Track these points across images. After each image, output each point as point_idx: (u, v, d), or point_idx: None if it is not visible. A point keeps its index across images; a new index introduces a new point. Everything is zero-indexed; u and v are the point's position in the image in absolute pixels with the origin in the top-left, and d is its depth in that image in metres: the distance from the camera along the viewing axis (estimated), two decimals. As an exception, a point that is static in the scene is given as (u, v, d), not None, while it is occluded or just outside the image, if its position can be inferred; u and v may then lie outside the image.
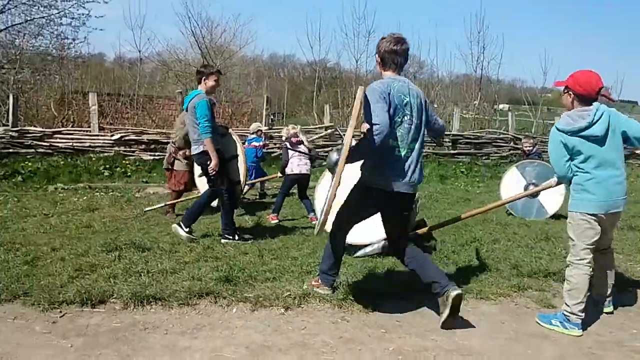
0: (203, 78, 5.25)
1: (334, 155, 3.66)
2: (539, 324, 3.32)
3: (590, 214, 3.22)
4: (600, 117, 3.15)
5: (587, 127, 3.15)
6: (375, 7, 45.71)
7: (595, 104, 3.22)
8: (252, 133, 8.46)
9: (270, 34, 67.29)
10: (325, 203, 3.12)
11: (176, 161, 6.89)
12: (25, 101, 14.75)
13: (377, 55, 3.44)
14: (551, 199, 6.92)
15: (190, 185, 6.93)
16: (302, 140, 6.99)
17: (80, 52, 17.90)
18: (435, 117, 3.62)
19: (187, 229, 5.28)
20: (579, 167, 3.27)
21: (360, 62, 19.39)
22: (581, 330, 3.20)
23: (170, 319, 3.25)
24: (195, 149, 5.23)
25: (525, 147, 8.69)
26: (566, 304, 3.24)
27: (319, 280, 3.65)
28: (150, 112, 15.60)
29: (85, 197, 8.15)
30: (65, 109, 14.65)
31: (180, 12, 32.04)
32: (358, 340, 3.00)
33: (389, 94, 3.20)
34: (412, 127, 3.30)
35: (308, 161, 6.96)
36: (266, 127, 11.72)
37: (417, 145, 3.32)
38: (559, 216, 6.78)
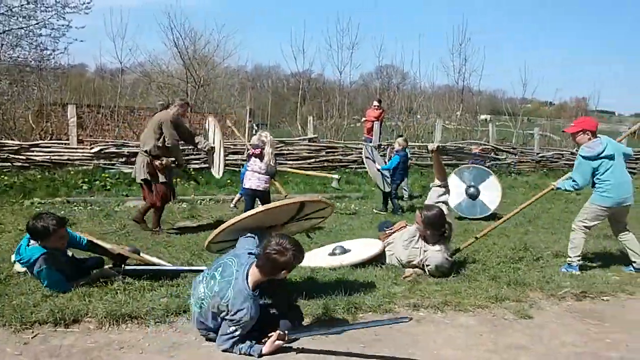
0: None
1: None
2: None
3: (606, 207, 4.82)
4: (607, 142, 4.79)
5: (603, 150, 4.74)
6: (359, 19, 46.22)
7: (600, 135, 4.89)
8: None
9: (254, 44, 67.23)
10: None
11: (159, 173, 6.50)
12: (2, 113, 14.51)
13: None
14: (491, 198, 7.84)
15: (172, 195, 6.78)
16: (262, 154, 6.48)
17: (60, 63, 17.73)
18: None
19: None
20: (600, 178, 4.80)
21: (344, 74, 19.51)
22: (579, 271, 4.84)
23: (147, 337, 3.19)
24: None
25: (474, 151, 8.92)
26: (569, 255, 4.94)
27: None
28: (131, 124, 15.45)
29: (62, 212, 7.99)
30: (43, 121, 14.42)
31: (163, 22, 31.92)
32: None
33: None
34: None
35: (262, 175, 6.49)
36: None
37: None
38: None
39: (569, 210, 9.34)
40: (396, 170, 8.44)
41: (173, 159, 6.52)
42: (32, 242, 3.99)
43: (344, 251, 4.95)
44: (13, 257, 4.18)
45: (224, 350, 2.99)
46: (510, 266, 4.84)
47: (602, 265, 5.22)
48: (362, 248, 5.03)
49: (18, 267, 4.20)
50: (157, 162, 6.39)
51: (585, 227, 4.95)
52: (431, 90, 21.34)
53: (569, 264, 4.94)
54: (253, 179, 6.54)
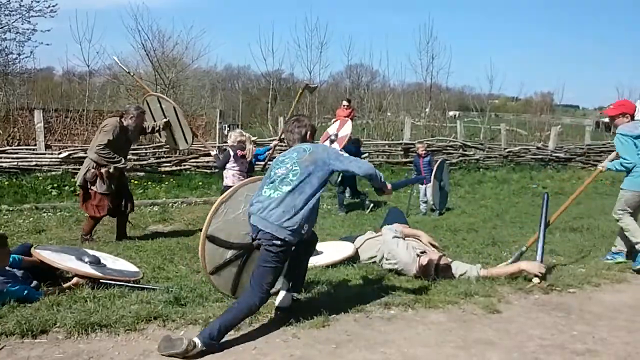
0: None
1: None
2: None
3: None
4: None
5: None
6: (327, 19, 46.30)
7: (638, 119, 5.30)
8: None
9: (224, 45, 66.65)
10: None
11: (98, 181, 6.05)
12: (-34, 119, 14.09)
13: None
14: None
15: (113, 210, 6.30)
16: (245, 155, 6.52)
17: (26, 67, 17.31)
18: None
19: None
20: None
21: (314, 73, 19.55)
22: None
23: (116, 346, 3.15)
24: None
25: (420, 151, 9.01)
26: (634, 243, 4.97)
27: None
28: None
29: (31, 219, 7.83)
30: (10, 126, 14.05)
31: (130, 24, 31.33)
32: (308, 358, 3.01)
33: None
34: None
35: (242, 174, 6.50)
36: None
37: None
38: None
39: (535, 204, 9.55)
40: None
41: (121, 165, 6.11)
42: None
43: (316, 253, 4.98)
44: None
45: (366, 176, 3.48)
46: (479, 261, 4.93)
47: (569, 257, 5.37)
48: (334, 250, 5.07)
49: None
50: (102, 170, 6.01)
51: (627, 212, 5.05)
52: (400, 88, 21.59)
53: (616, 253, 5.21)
54: (229, 177, 6.47)
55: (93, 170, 6.03)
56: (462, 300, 3.93)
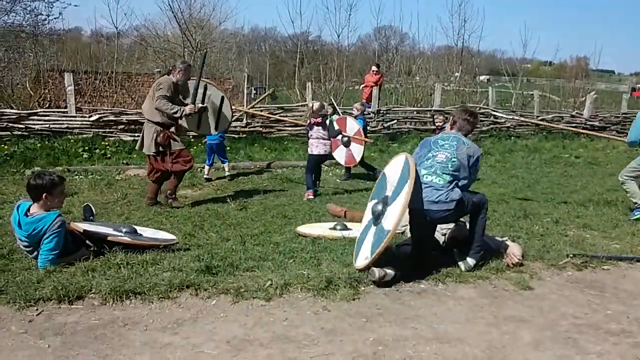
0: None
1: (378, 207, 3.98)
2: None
3: None
4: None
5: None
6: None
7: None
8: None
9: (251, 6, 65.75)
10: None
11: (172, 141, 6.23)
12: (0, 80, 14.33)
13: None
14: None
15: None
16: (320, 122, 7.14)
17: (54, 29, 17.38)
18: None
19: None
20: None
21: (342, 37, 19.13)
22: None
23: (150, 314, 3.22)
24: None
25: (437, 122, 8.79)
26: (634, 202, 5.71)
27: None
28: (129, 90, 15.26)
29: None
30: (41, 88, 14.26)
31: (157, -16, 31.17)
32: (339, 331, 3.02)
33: None
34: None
35: (327, 141, 7.24)
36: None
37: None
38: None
39: (568, 174, 9.34)
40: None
41: (184, 113, 6.21)
42: (32, 210, 3.97)
43: (345, 228, 4.98)
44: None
45: None
46: (510, 235, 4.83)
47: (603, 232, 5.23)
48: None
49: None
50: (169, 132, 6.18)
51: (630, 179, 5.77)
52: (430, 52, 21.02)
53: (637, 208, 5.72)
54: (320, 146, 7.18)
55: (162, 133, 6.14)
56: (493, 276, 3.87)
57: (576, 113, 14.63)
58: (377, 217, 3.93)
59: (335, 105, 11.53)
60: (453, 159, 3.90)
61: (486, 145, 11.74)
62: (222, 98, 6.82)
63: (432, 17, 63.83)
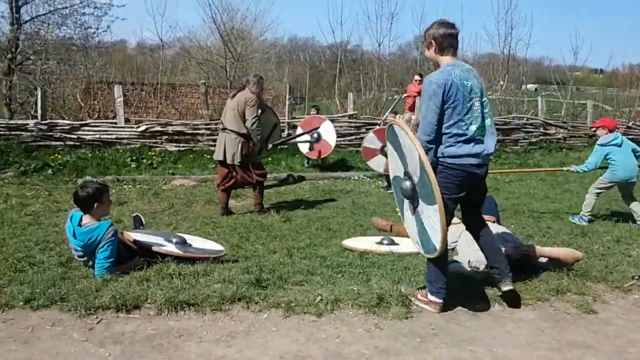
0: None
1: (407, 184, 3.48)
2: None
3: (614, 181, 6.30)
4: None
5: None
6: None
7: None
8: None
9: (289, 16, 66.62)
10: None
11: (254, 153, 6.60)
12: (52, 92, 14.95)
13: (432, 42, 3.43)
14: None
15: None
16: None
17: (103, 41, 18.07)
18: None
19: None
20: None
21: (383, 46, 19.07)
22: (587, 223, 6.19)
23: (204, 325, 3.24)
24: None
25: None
26: (583, 210, 6.37)
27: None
28: (173, 100, 15.64)
29: (113, 190, 8.20)
30: (90, 99, 14.80)
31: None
32: (393, 351, 2.95)
33: (447, 85, 3.27)
34: (482, 107, 3.42)
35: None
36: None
37: (488, 121, 3.47)
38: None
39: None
40: None
41: (262, 144, 6.68)
42: (84, 220, 4.07)
43: (392, 243, 4.90)
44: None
45: None
46: (568, 254, 4.63)
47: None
48: (410, 242, 4.97)
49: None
50: (251, 143, 6.44)
51: (595, 193, 6.42)
52: (472, 60, 20.66)
53: (581, 216, 6.33)
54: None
55: (247, 145, 6.42)
56: (552, 298, 3.71)
57: (633, 124, 14.04)
58: (412, 197, 3.47)
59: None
60: (484, 100, 3.53)
61: (536, 158, 11.42)
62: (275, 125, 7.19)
63: (477, 24, 62.83)
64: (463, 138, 3.33)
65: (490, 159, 3.73)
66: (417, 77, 12.95)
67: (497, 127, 12.85)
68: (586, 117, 14.28)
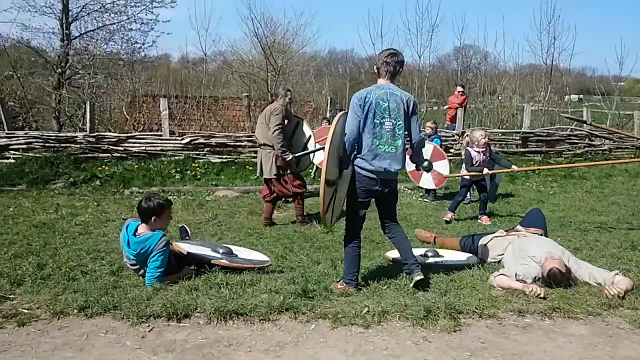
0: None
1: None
2: None
3: None
4: None
5: None
6: (438, 0, 44.89)
7: None
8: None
9: (332, 30, 67.32)
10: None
11: (290, 166, 6.64)
12: (99, 105, 15.56)
13: (375, 67, 4.08)
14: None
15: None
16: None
17: (148, 56, 18.71)
18: (415, 127, 4.06)
19: None
20: None
21: (424, 58, 18.98)
22: None
23: (253, 335, 3.30)
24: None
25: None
26: None
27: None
28: (215, 113, 15.99)
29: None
30: (136, 112, 15.32)
31: (243, 12, 32.57)
32: (442, 364, 2.94)
33: (363, 100, 3.85)
34: (396, 129, 3.93)
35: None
36: None
37: (399, 142, 3.95)
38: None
39: (677, 202, 8.59)
40: None
41: (285, 155, 6.55)
42: (139, 230, 4.23)
43: (436, 255, 4.88)
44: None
45: None
46: (619, 267, 4.50)
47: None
48: (455, 254, 4.95)
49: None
50: (285, 156, 6.47)
51: None
52: (513, 71, 20.31)
53: None
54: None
55: (280, 157, 6.50)
56: (605, 312, 3.61)
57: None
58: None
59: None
60: (399, 123, 3.98)
61: (581, 170, 11.10)
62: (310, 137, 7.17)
63: (519, 35, 61.97)
64: (370, 152, 3.89)
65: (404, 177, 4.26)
66: (459, 89, 12.87)
67: (539, 138, 12.63)
68: (632, 127, 13.81)
